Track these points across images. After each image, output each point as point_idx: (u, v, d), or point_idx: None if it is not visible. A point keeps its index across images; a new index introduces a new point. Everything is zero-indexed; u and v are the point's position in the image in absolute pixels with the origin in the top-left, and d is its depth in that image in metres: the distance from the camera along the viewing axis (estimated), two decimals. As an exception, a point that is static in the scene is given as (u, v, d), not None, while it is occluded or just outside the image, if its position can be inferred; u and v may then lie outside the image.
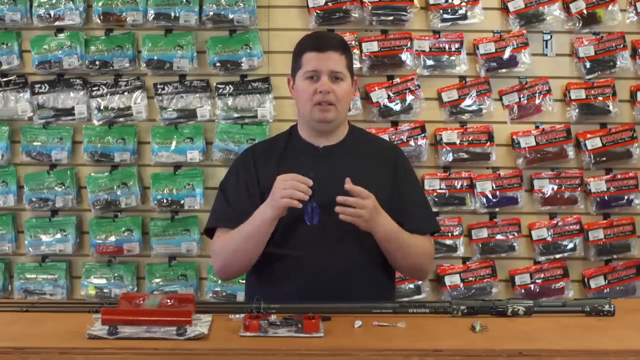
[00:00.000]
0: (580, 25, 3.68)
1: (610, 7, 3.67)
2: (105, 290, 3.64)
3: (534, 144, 3.67)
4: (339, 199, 2.31)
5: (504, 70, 3.70)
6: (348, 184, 2.32)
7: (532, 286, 3.69)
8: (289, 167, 2.43)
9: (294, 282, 2.41)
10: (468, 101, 3.69)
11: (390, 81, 3.67)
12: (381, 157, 2.58)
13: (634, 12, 3.69)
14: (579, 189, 3.70)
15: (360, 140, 2.61)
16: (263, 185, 2.48)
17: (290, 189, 2.30)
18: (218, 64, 3.62)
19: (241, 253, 2.45)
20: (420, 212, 2.55)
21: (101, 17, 3.61)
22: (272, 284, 2.46)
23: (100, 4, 3.60)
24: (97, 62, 3.63)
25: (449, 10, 3.66)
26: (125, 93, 3.66)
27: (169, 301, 2.07)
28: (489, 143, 3.68)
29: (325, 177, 2.35)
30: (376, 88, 3.65)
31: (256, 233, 2.40)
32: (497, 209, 3.70)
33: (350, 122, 2.64)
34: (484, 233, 3.70)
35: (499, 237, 3.69)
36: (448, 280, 3.68)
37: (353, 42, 3.63)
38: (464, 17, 3.67)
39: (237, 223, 2.45)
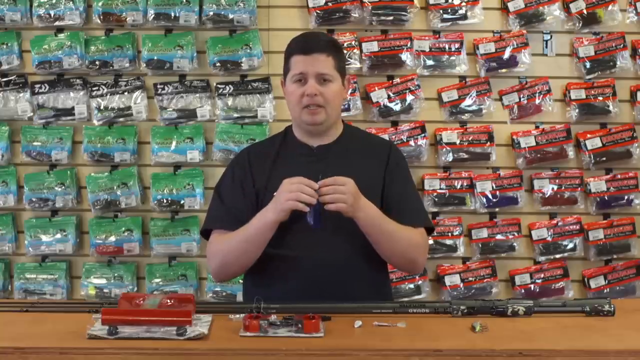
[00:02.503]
0: (580, 25, 3.68)
1: (610, 7, 3.68)
2: (105, 290, 3.64)
3: (534, 144, 3.67)
4: (319, 183, 2.30)
5: (504, 70, 3.70)
6: (321, 182, 2.31)
7: (532, 286, 3.69)
8: (284, 167, 2.45)
9: (290, 282, 2.41)
10: (468, 101, 3.69)
11: (390, 81, 3.67)
12: (374, 154, 2.57)
13: (634, 12, 3.69)
14: (579, 189, 3.70)
15: (354, 138, 2.61)
16: (258, 185, 2.49)
17: (296, 192, 2.30)
18: (218, 64, 3.62)
19: (239, 255, 2.44)
20: (410, 205, 2.53)
21: (101, 17, 3.61)
22: (269, 285, 2.45)
23: (100, 4, 3.60)
24: (97, 62, 3.63)
25: (449, 10, 3.66)
26: (125, 93, 3.65)
27: (169, 301, 2.07)
28: (489, 143, 3.68)
29: (319, 177, 2.35)
30: (376, 88, 3.65)
31: (256, 235, 2.39)
32: (497, 209, 3.70)
33: (349, 122, 2.64)
34: (484, 233, 3.70)
35: (499, 237, 3.69)
36: (448, 280, 3.68)
37: (353, 42, 3.63)
38: (464, 17, 3.67)
39: (233, 224, 2.44)
